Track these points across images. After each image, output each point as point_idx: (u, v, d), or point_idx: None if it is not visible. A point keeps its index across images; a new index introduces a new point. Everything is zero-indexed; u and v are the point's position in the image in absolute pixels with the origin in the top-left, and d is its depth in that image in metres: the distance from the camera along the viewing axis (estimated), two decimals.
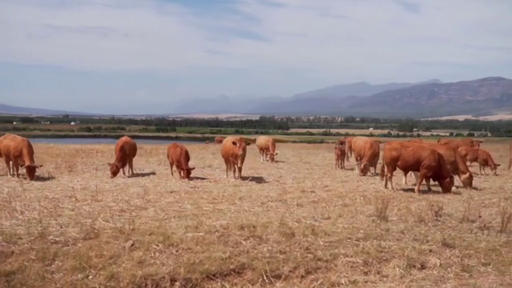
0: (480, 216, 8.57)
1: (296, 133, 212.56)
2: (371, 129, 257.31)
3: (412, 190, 13.55)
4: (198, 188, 13.72)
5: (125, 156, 17.10)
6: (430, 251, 6.34)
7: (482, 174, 19.27)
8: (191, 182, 15.13)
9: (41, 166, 15.98)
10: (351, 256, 5.91)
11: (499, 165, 20.19)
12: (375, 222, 7.92)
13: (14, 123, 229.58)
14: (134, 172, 17.71)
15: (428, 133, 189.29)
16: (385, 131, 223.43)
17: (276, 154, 25.06)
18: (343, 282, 5.30)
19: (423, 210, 8.82)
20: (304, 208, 10.08)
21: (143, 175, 17.24)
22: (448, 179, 13.45)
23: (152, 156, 26.46)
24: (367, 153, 17.83)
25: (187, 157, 16.56)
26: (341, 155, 21.22)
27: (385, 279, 5.48)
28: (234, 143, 15.86)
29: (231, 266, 5.40)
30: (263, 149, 25.72)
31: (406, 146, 13.80)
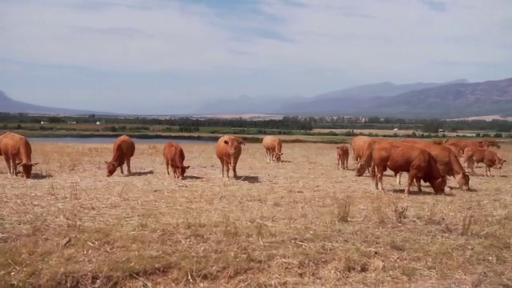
0: (443, 218, 8.31)
1: (319, 133, 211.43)
2: (395, 129, 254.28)
3: (403, 191, 13.25)
4: (186, 187, 13.70)
5: (122, 155, 17.22)
6: (376, 253, 6.11)
7: (487, 175, 18.77)
8: (183, 180, 15.13)
9: (36, 164, 16.20)
10: (288, 257, 5.73)
11: (504, 160, 19.81)
12: (333, 223, 7.71)
13: (42, 122, 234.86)
14: (134, 170, 17.86)
15: (454, 134, 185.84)
16: (410, 132, 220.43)
17: (282, 154, 24.87)
18: (272, 283, 5.15)
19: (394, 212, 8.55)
20: (278, 208, 9.92)
21: (140, 173, 17.33)
22: (439, 180, 13.09)
23: (160, 155, 26.57)
24: (364, 153, 17.53)
25: (181, 156, 16.58)
26: (343, 155, 20.92)
27: (318, 281, 5.30)
28: (226, 142, 15.82)
29: (157, 265, 5.30)
30: (270, 149, 25.58)
31: (396, 146, 13.48)
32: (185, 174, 16.12)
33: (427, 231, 7.47)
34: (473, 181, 16.65)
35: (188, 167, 16.63)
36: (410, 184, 13.23)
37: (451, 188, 14.10)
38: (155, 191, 12.41)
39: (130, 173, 17.23)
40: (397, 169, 13.71)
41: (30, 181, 14.17)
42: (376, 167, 13.60)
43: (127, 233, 6.59)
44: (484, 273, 5.72)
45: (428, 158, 13.07)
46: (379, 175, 13.57)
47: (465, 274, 5.64)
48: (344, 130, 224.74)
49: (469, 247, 6.66)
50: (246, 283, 5.13)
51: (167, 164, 17.06)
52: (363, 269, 5.67)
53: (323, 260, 5.76)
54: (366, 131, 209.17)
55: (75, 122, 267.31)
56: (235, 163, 16.14)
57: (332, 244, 6.36)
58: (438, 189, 13.12)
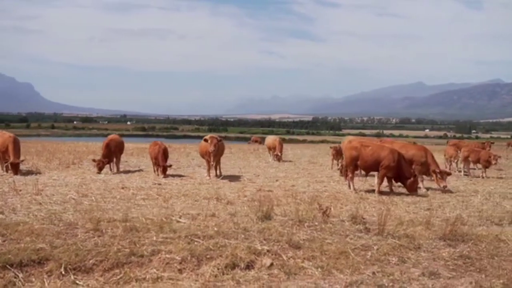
0: (363, 218, 8.14)
1: (348, 134, 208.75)
2: (427, 130, 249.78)
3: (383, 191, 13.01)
4: (159, 184, 13.82)
5: (110, 153, 17.51)
6: (268, 251, 6.02)
7: (483, 177, 18.26)
8: (163, 179, 15.29)
9: (22, 161, 16.65)
10: (173, 253, 5.73)
11: (499, 156, 19.48)
12: (250, 221, 7.66)
13: (75, 122, 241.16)
14: (129, 169, 18.25)
15: (488, 135, 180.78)
16: (441, 133, 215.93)
17: (280, 154, 24.76)
18: (147, 277, 5.16)
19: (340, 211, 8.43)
20: (229, 206, 9.89)
21: (129, 171, 17.57)
22: (411, 180, 12.76)
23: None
24: None
25: (164, 155, 16.72)
26: (337, 155, 20.68)
27: (194, 277, 5.24)
28: (205, 140, 15.92)
29: (35, 257, 5.40)
30: (271, 149, 25.55)
31: (366, 146, 13.23)
32: (171, 172, 16.38)
33: (342, 230, 7.33)
34: (461, 182, 16.28)
35: (171, 166, 16.77)
36: (380, 184, 12.97)
37: (428, 189, 13.81)
38: (122, 188, 12.55)
39: (118, 171, 17.50)
40: (367, 169, 13.47)
41: (13, 178, 14.52)
42: (346, 167, 13.40)
43: (31, 227, 6.74)
44: (373, 273, 5.57)
45: (398, 158, 12.78)
46: (350, 175, 13.36)
47: (351, 274, 5.49)
48: (374, 131, 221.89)
49: (375, 247, 6.50)
50: (118, 277, 5.16)
51: (153, 163, 17.29)
52: (248, 267, 5.60)
53: (208, 256, 5.72)
54: (396, 132, 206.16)
55: (106, 122, 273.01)
56: (215, 161, 16.17)
57: (229, 241, 6.31)
58: (411, 189, 12.80)
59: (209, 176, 16.11)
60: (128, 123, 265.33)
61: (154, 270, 5.35)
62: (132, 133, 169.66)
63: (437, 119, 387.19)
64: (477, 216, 9.46)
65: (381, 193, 12.78)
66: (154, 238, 6.34)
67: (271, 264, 5.65)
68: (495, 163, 18.95)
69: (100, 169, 16.70)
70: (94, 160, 17.38)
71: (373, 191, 13.19)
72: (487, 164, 18.82)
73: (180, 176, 16.35)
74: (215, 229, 6.97)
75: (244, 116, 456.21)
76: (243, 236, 6.67)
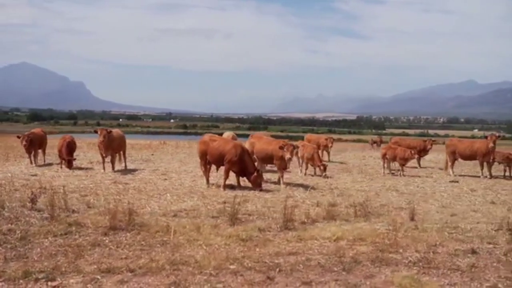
0: (47, 206, 8.58)
1: (392, 134, 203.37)
2: (475, 130, 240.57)
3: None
4: (35, 176, 14.59)
5: (30, 146, 18.38)
6: None
7: (398, 175, 18.05)
8: (59, 170, 16.27)
9: None
10: None
11: (415, 152, 19.48)
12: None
13: (120, 120, 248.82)
14: (45, 162, 19.18)
15: None
16: (490, 133, 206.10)
17: None
18: None
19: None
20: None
21: (49, 165, 18.37)
22: (254, 175, 12.85)
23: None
24: None
25: (69, 149, 17.35)
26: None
27: None
28: (95, 131, 16.54)
29: None
30: None
31: (213, 140, 13.39)
32: (85, 166, 17.64)
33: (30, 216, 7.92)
34: (361, 180, 16.14)
35: (75, 159, 17.43)
36: (226, 178, 13.09)
37: (287, 185, 13.85)
38: None
39: (37, 164, 18.28)
40: (215, 163, 13.51)
41: None
42: (200, 161, 13.64)
43: None
44: None
45: (241, 153, 12.89)
46: (203, 169, 13.57)
47: None
48: (418, 131, 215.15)
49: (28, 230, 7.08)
50: None
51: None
52: None
53: None
54: (442, 132, 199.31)
55: (151, 120, 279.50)
56: (107, 154, 16.57)
57: None
58: (254, 184, 12.90)
59: (104, 169, 16.57)
60: (172, 121, 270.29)
61: None
62: (173, 130, 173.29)
63: (488, 118, 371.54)
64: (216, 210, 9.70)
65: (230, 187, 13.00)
66: None
67: None
68: (412, 158, 18.79)
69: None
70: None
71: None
72: (403, 162, 18.54)
73: (85, 169, 16.98)
74: None
75: (289, 115, 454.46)
76: None
